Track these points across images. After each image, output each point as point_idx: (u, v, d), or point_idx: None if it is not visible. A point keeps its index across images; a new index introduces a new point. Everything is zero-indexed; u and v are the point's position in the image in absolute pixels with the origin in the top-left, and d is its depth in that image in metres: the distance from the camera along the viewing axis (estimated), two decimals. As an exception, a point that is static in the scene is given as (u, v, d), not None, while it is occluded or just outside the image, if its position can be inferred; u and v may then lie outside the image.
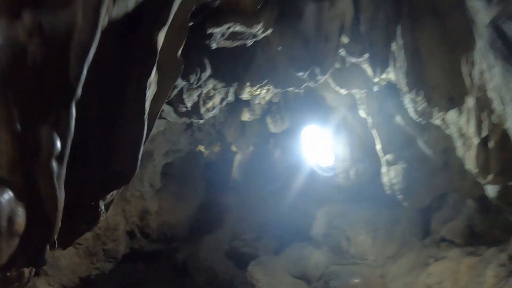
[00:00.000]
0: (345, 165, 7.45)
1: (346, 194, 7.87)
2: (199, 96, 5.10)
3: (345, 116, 7.15)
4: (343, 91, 5.57)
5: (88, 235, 7.43)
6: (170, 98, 5.06)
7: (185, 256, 9.22)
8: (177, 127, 8.44)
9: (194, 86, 4.80)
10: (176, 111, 5.36)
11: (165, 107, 5.49)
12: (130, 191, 8.45)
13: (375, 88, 5.27)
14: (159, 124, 7.70)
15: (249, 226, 9.95)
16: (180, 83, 4.56)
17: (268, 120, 8.61)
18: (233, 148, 17.35)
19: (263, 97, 6.20)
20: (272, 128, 8.76)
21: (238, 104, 7.54)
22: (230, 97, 5.46)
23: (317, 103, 7.66)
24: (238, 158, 15.11)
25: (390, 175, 5.79)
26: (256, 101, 7.23)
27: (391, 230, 6.60)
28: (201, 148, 16.23)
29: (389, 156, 5.75)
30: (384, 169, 5.93)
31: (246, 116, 7.82)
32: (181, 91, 4.90)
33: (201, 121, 5.50)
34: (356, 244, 6.90)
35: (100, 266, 7.76)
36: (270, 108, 8.48)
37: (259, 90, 5.03)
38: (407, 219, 6.66)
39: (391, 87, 5.01)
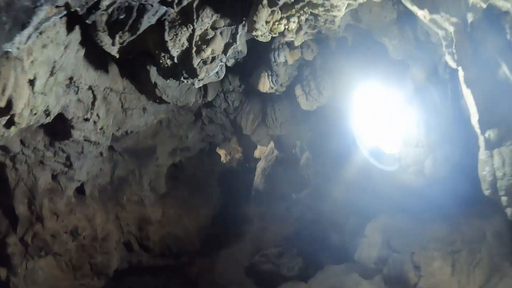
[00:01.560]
0: (417, 153, 5.05)
1: (416, 199, 5.43)
2: (190, 39, 3.67)
3: (417, 76, 4.80)
4: (423, 15, 3.51)
5: (70, 244, 6.05)
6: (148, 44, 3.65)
7: (197, 272, 7.57)
8: (183, 118, 7.06)
9: (179, 20, 3.39)
10: (159, 67, 3.94)
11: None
12: (126, 194, 7.07)
13: (470, 17, 3.35)
14: (158, 110, 6.39)
15: (271, 239, 8.23)
16: (157, 8, 3.15)
17: (298, 91, 6.09)
18: (256, 154, 15.77)
19: (291, 40, 3.92)
20: (304, 103, 6.15)
21: (255, 70, 5.93)
22: (239, 43, 3.82)
23: (374, 55, 5.15)
24: (261, 164, 13.53)
25: (493, 162, 3.73)
26: (281, 59, 5.34)
27: (475, 251, 4.58)
28: (221, 153, 14.65)
29: (491, 133, 3.71)
30: (483, 154, 3.81)
31: (266, 84, 5.64)
32: (161, 29, 3.48)
33: (197, 83, 4.01)
34: (428, 274, 4.76)
35: (86, 283, 6.30)
36: (300, 74, 6.10)
37: (284, 19, 3.45)
38: (494, 236, 4.61)
39: (495, 17, 3.32)
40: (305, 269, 7.01)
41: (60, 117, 4.45)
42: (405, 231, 5.21)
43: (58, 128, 4.75)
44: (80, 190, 6.28)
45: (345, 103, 5.99)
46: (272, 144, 13.91)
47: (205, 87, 6.29)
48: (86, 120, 4.79)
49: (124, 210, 7.03)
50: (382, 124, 5.58)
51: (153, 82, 4.81)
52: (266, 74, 5.56)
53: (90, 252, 6.35)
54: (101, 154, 6.08)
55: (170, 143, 7.26)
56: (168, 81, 4.39)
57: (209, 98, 6.42)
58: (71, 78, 4.01)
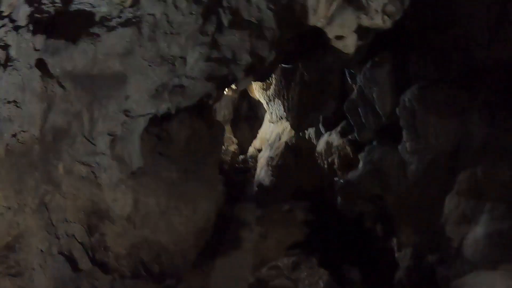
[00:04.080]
0: None
1: None
2: None
3: None
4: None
5: None
6: None
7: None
8: (183, 18, 3.75)
9: None
10: None
11: None
12: (65, 162, 3.67)
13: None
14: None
15: (279, 246, 5.92)
16: None
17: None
18: (256, 144, 12.59)
19: None
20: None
21: None
22: None
23: None
24: (265, 154, 10.40)
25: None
26: None
27: None
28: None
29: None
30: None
31: None
32: None
33: None
34: None
35: None
36: None
37: None
38: None
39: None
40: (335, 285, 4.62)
41: None
42: None
43: None
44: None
45: None
46: (279, 128, 11.05)
47: None
48: None
49: (58, 191, 3.62)
50: None
51: None
52: None
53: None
54: (23, 80, 2.89)
55: (153, 73, 3.95)
56: None
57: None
58: None
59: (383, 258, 5.20)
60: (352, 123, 7.20)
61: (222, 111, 12.04)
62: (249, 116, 12.61)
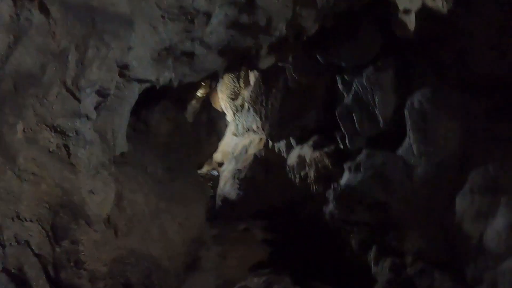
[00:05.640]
0: None
1: None
2: None
3: None
4: None
5: None
6: None
7: None
8: None
9: None
10: None
11: None
12: (26, 122, 2.34)
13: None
14: None
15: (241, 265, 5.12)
16: None
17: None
18: (218, 158, 11.46)
19: None
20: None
21: None
22: None
23: None
24: (229, 167, 9.35)
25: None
26: None
27: None
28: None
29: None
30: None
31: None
32: None
33: None
34: None
35: None
36: None
37: None
38: None
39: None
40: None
41: None
42: None
43: None
44: None
45: None
46: (245, 140, 10.37)
47: None
48: None
49: (10, 167, 2.26)
50: None
51: None
52: None
53: None
54: None
55: (164, 27, 2.88)
56: None
57: None
58: None
59: (359, 273, 4.89)
60: (343, 130, 6.95)
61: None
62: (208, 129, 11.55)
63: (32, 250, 2.42)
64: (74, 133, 2.56)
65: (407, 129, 5.03)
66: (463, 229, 3.85)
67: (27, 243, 2.41)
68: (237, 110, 9.98)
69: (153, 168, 3.76)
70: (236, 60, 3.99)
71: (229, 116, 10.57)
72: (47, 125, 2.44)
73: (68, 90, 2.42)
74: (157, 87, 3.45)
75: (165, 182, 3.84)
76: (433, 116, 4.70)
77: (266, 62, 4.02)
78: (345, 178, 6.07)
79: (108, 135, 3.07)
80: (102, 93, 2.69)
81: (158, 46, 3.12)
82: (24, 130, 2.36)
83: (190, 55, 3.49)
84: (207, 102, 11.63)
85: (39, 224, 2.46)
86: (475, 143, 4.30)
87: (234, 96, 10.00)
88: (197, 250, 4.04)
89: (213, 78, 4.46)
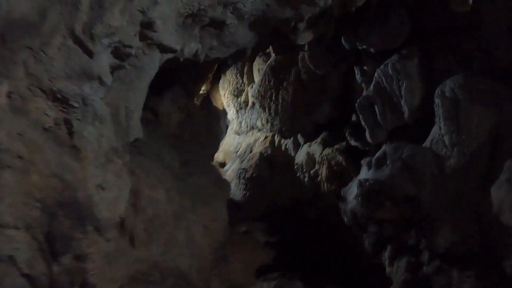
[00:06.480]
0: None
1: None
2: None
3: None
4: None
5: None
6: None
7: None
8: None
9: None
10: None
11: None
12: (15, 83, 1.61)
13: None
14: None
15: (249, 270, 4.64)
16: None
17: None
18: (219, 157, 10.81)
19: None
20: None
21: None
22: None
23: None
24: (233, 166, 8.69)
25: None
26: None
27: None
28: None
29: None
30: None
31: None
32: None
33: None
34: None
35: None
36: None
37: None
38: None
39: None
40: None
41: None
42: None
43: None
44: None
45: None
46: (250, 139, 10.03)
47: None
48: None
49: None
50: None
51: None
52: None
53: None
54: None
55: None
56: None
57: None
58: None
59: (373, 274, 4.78)
60: (363, 123, 6.63)
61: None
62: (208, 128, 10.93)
63: (19, 269, 1.66)
64: (81, 102, 1.82)
65: (437, 119, 4.88)
66: (502, 221, 3.66)
67: (11, 259, 1.66)
68: (240, 108, 9.54)
69: (171, 160, 3.04)
70: (269, 35, 3.34)
71: (231, 114, 10.08)
72: (42, 90, 1.71)
73: (76, 40, 1.69)
74: (181, 59, 2.74)
75: (184, 177, 3.12)
76: (466, 104, 4.58)
77: (305, 37, 3.39)
78: (364, 174, 5.75)
79: (120, 114, 2.34)
80: (120, 53, 1.97)
81: (184, 9, 2.43)
82: (9, 95, 1.62)
83: (220, 24, 2.83)
84: (207, 100, 11.09)
85: (28, 232, 1.71)
86: (508, 130, 4.16)
87: (237, 93, 9.52)
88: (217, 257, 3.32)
89: (238, 57, 3.79)
